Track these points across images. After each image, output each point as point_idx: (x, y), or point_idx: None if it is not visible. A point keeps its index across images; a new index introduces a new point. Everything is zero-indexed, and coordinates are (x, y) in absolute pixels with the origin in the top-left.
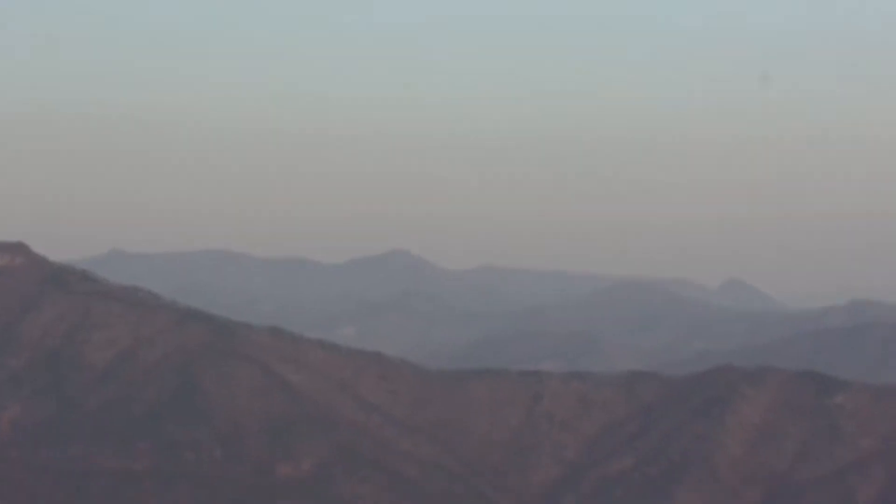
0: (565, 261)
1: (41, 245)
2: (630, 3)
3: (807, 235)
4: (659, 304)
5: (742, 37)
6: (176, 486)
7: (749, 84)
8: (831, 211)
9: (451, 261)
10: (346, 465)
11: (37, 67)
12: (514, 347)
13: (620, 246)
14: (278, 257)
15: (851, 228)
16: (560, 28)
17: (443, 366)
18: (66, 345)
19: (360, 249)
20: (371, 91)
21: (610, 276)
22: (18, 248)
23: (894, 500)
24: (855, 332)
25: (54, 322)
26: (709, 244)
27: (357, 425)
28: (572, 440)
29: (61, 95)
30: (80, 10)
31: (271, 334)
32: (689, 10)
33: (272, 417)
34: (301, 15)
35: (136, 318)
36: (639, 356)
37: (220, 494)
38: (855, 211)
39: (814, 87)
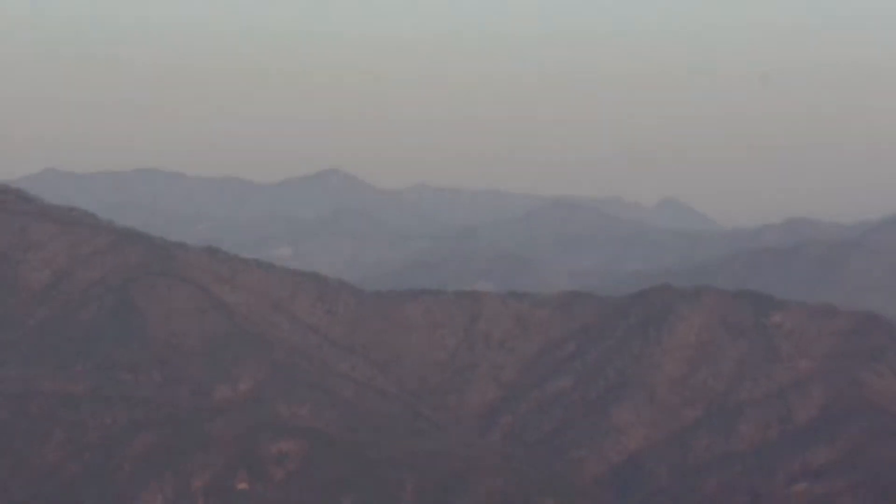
0: (499, 180)
1: None
2: None
3: (742, 154)
4: (593, 224)
5: None
6: (114, 407)
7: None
8: (767, 131)
9: (386, 180)
10: (284, 386)
11: None
12: (447, 268)
13: (554, 165)
14: (212, 176)
15: (788, 145)
16: None
17: (377, 286)
18: (1, 265)
19: (294, 168)
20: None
21: (543, 196)
22: None
23: (832, 420)
24: (791, 251)
25: None
26: (644, 163)
27: (294, 346)
28: (510, 361)
29: None
30: None
31: (208, 255)
32: None
33: (210, 338)
34: None
35: (72, 239)
36: (573, 276)
37: (159, 416)
38: (791, 130)
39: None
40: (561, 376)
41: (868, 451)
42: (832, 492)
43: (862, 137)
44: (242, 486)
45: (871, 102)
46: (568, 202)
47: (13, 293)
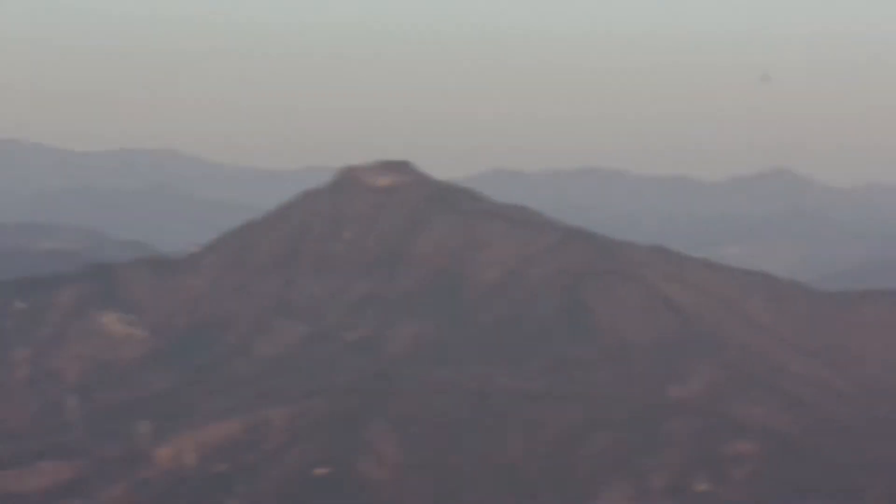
0: None
1: (424, 163)
2: None
3: None
4: None
5: None
6: (570, 406)
7: None
8: None
9: (835, 179)
10: (738, 387)
11: None
12: None
13: None
14: (656, 175)
15: None
16: None
17: (828, 286)
18: (455, 263)
19: (741, 167)
20: None
21: None
22: (404, 167)
23: None
24: None
25: (442, 241)
26: None
27: (746, 346)
28: None
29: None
30: None
31: (655, 253)
32: None
33: (660, 337)
34: None
35: (520, 237)
36: None
37: (613, 415)
38: None
39: None
40: None
41: None
42: None
43: None
44: (702, 487)
45: None
46: None
47: (465, 291)
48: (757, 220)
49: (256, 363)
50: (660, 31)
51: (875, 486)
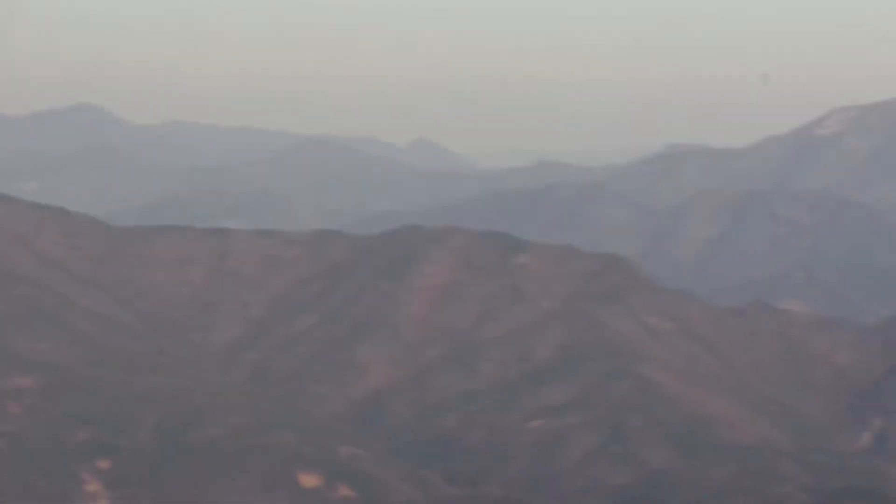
0: (256, 117)
1: None
2: None
3: (496, 96)
4: (345, 163)
5: None
6: None
7: None
8: (522, 73)
9: (142, 116)
10: (24, 322)
11: None
12: (197, 205)
13: (312, 103)
14: None
15: (540, 90)
16: None
17: (127, 222)
18: None
19: (45, 101)
20: None
21: (298, 134)
22: None
23: (570, 359)
24: (539, 194)
25: None
26: (398, 103)
27: (37, 281)
28: (257, 298)
29: None
30: None
31: None
32: None
33: None
34: None
35: None
36: (325, 215)
37: None
38: (545, 73)
39: None
40: (307, 314)
41: (603, 390)
42: (566, 427)
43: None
44: None
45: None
46: (321, 141)
47: None
48: (57, 155)
49: None
50: None
51: (151, 415)
